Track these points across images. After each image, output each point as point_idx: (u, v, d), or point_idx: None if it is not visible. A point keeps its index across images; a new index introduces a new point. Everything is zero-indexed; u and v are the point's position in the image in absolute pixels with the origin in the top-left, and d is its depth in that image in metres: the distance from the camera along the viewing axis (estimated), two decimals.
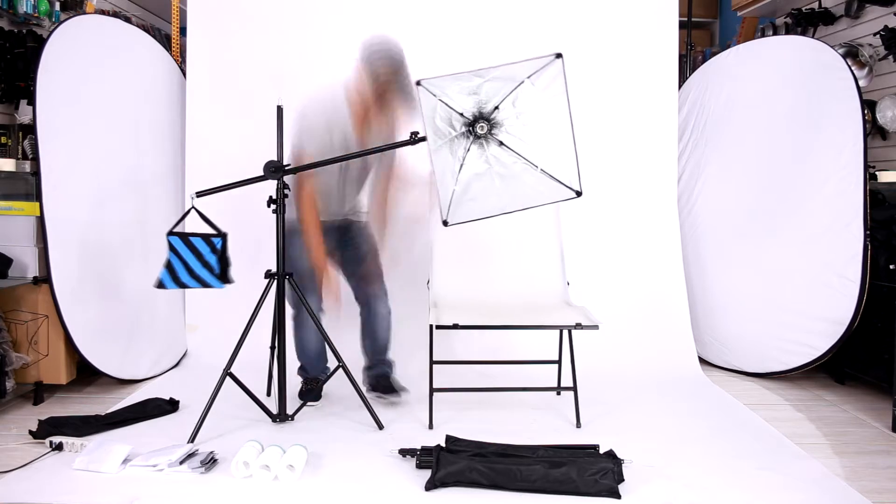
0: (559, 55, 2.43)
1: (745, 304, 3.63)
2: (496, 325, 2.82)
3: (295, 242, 2.82)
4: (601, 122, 3.81)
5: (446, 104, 2.56)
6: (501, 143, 2.58)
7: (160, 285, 2.60)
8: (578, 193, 2.56)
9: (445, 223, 2.61)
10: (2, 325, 3.00)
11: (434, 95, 2.52)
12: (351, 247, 3.05)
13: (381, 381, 3.04)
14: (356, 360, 3.05)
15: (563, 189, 2.58)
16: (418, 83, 2.49)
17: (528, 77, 2.49)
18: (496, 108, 2.57)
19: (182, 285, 2.61)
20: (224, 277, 2.64)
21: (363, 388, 2.87)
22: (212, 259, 2.61)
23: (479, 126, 2.56)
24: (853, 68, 3.39)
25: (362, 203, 3.08)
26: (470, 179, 2.66)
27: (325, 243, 2.88)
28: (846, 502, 2.14)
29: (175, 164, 3.75)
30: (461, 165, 2.65)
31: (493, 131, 2.57)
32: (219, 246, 2.61)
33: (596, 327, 2.68)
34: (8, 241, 3.03)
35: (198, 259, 2.60)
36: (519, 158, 2.62)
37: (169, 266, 2.59)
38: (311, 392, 2.99)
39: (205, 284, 2.62)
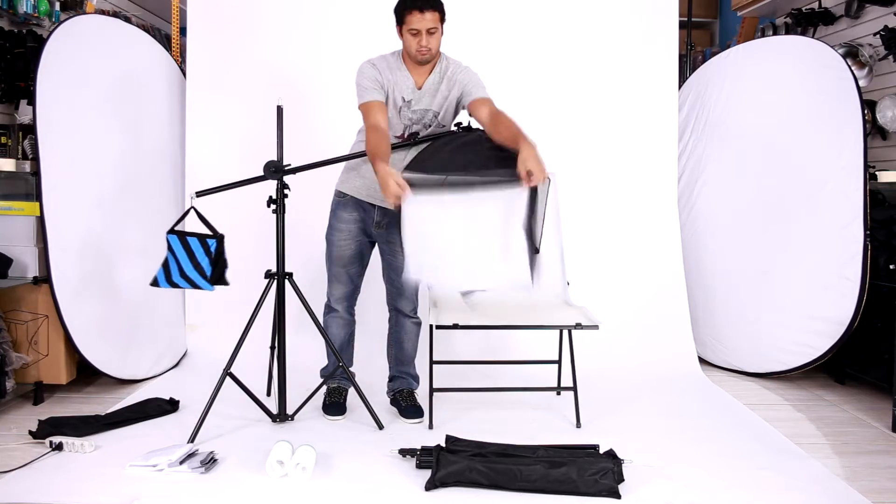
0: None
1: (745, 304, 3.63)
2: (496, 325, 2.82)
3: None
4: (601, 123, 3.81)
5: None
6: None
7: (154, 283, 2.62)
8: (530, 286, 2.48)
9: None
10: (2, 325, 3.00)
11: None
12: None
13: (405, 398, 2.89)
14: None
15: (525, 276, 2.46)
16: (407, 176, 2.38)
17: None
18: None
19: (174, 285, 2.61)
20: (217, 279, 2.63)
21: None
22: (204, 261, 2.60)
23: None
24: (853, 68, 3.39)
25: None
26: (458, 237, 2.48)
27: None
28: (846, 502, 2.14)
29: (175, 164, 3.75)
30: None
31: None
32: (213, 248, 2.60)
33: (596, 327, 2.68)
34: (8, 241, 3.03)
35: (190, 260, 2.60)
36: (520, 222, 2.45)
37: (165, 265, 2.61)
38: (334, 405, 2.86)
39: (194, 286, 2.61)
